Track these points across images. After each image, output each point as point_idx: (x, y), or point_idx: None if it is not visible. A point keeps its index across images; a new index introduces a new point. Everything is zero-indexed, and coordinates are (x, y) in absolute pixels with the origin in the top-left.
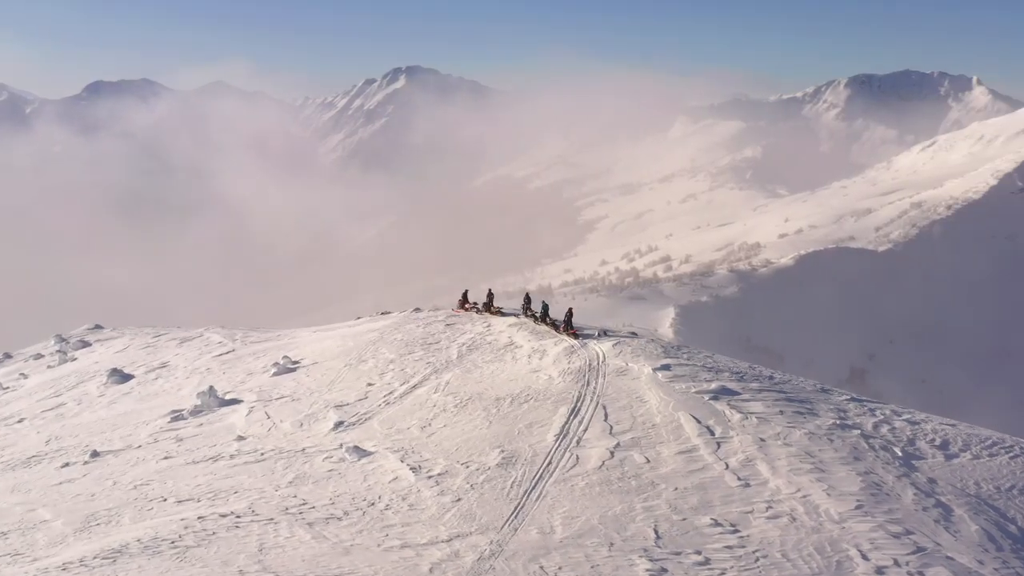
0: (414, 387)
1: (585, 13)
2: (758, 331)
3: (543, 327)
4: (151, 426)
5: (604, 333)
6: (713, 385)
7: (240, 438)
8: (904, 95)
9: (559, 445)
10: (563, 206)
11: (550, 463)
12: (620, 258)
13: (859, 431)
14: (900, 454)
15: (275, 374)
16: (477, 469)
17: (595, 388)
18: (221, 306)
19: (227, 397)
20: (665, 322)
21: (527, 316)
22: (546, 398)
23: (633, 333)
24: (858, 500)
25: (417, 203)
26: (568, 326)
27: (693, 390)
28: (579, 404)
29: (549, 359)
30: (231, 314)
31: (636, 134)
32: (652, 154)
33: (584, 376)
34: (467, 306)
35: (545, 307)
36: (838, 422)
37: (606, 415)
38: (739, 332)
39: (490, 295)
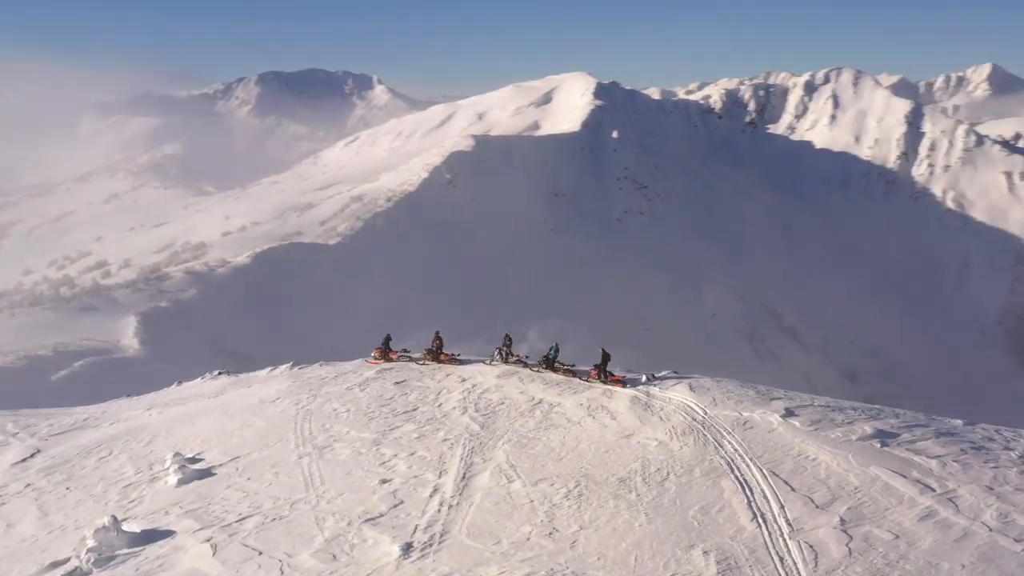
0: (465, 477)
1: None
2: (225, 333)
3: (554, 375)
4: None
5: (653, 376)
6: (868, 428)
7: None
8: (312, 93)
9: (768, 532)
10: None
11: (782, 559)
12: (48, 265)
13: None
14: None
15: (182, 482)
16: None
17: (736, 449)
18: None
19: (136, 530)
20: (127, 332)
21: (510, 362)
22: (686, 471)
23: (675, 372)
24: None
25: None
26: (606, 372)
27: (854, 437)
28: (738, 473)
29: (628, 417)
30: None
31: (39, 132)
32: (62, 153)
33: (702, 436)
34: (393, 354)
35: (556, 349)
36: (1015, 454)
37: (790, 485)
38: (206, 336)
39: (439, 338)
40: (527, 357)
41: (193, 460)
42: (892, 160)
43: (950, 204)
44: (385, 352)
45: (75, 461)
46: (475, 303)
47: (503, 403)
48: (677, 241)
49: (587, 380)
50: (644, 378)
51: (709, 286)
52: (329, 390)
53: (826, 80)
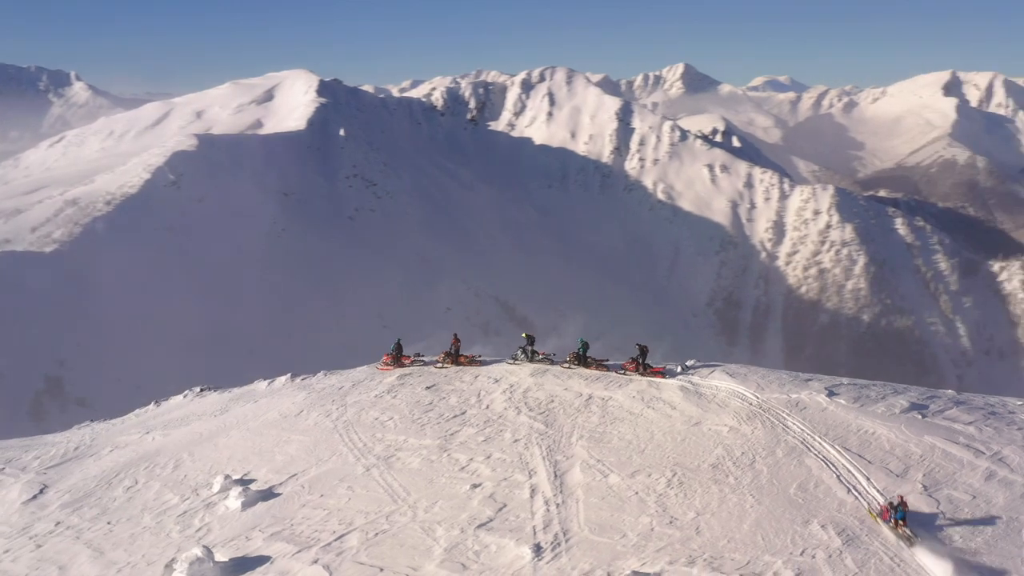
0: (557, 476)
1: None
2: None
3: (587, 371)
4: None
5: (685, 367)
6: (904, 402)
7: None
8: (0, 90)
9: (867, 503)
10: None
11: (894, 526)
12: None
13: None
14: None
15: (247, 505)
16: (831, 556)
17: (802, 429)
18: None
19: (225, 558)
20: None
21: (535, 360)
22: (766, 453)
23: (697, 361)
24: None
25: None
26: (645, 365)
27: (896, 411)
28: (814, 451)
29: (686, 406)
30: None
31: None
32: None
33: (767, 419)
34: (406, 359)
35: (585, 346)
36: (1022, 416)
37: (864, 458)
38: None
39: (457, 340)
40: (554, 355)
41: (244, 481)
42: (606, 155)
43: (660, 196)
44: (397, 357)
45: (98, 493)
46: (213, 307)
47: (552, 401)
48: (409, 238)
49: (624, 373)
50: (679, 368)
51: (443, 281)
52: (357, 399)
53: (541, 78)
